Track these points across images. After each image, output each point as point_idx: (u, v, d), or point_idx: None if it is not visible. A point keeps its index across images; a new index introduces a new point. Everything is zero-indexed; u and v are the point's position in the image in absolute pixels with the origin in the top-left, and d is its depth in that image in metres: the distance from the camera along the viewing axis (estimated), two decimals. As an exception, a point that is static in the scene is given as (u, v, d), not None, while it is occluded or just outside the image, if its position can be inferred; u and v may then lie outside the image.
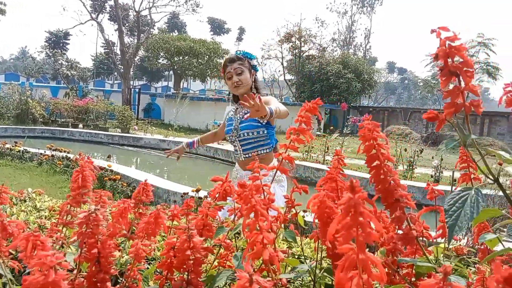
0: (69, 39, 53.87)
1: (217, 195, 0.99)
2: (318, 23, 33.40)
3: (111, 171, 5.99)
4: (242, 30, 60.07)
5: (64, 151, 7.56)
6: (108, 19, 39.96)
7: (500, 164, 0.63)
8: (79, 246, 0.92)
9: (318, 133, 12.67)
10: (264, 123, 2.49)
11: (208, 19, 56.57)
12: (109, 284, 0.88)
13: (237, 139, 2.55)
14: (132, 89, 21.62)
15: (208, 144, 11.48)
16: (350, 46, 44.70)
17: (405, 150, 8.15)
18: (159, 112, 21.47)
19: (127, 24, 36.24)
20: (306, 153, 9.03)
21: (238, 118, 2.58)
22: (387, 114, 22.41)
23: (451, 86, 0.63)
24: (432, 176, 7.56)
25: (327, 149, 8.75)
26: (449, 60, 0.60)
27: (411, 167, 7.73)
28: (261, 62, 28.17)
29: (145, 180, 1.21)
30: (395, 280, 0.81)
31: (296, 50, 25.90)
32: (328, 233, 0.45)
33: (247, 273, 0.50)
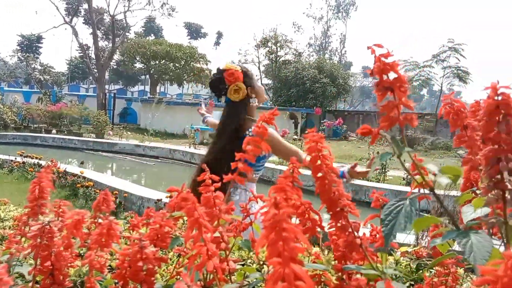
0: (42, 43, 52.82)
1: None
2: (295, 27, 33.77)
3: (84, 177, 5.90)
4: (219, 35, 60.06)
5: (36, 158, 7.40)
6: (83, 22, 39.29)
7: (434, 175, 0.67)
8: (34, 258, 0.92)
9: (295, 137, 12.76)
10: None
11: (185, 24, 56.41)
12: (63, 296, 0.88)
13: None
14: (108, 94, 21.34)
15: (183, 149, 11.44)
16: (325, 51, 45.29)
17: (377, 153, 8.29)
18: (135, 117, 21.24)
19: (102, 28, 35.73)
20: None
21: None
22: (361, 118, 22.73)
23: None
24: (404, 179, 7.72)
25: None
26: (384, 76, 0.64)
27: (383, 170, 7.87)
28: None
29: (106, 189, 1.21)
30: (344, 286, 0.83)
31: (273, 55, 26.08)
32: (255, 248, 0.47)
33: (185, 284, 0.52)
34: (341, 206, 0.75)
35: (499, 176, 0.67)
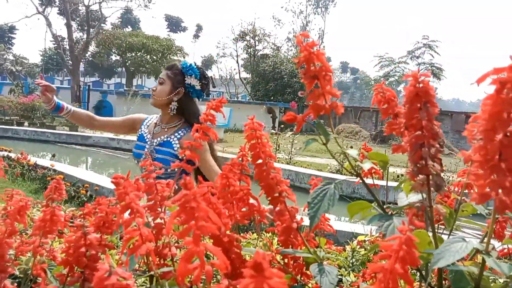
0: (15, 34, 51.43)
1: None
2: (275, 21, 33.73)
3: (54, 170, 5.80)
4: (199, 28, 59.55)
5: (5, 150, 7.23)
6: (58, 13, 38.37)
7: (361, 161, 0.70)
8: (-24, 245, 0.92)
9: (272, 131, 12.81)
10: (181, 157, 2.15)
11: (165, 16, 55.69)
12: (7, 282, 0.88)
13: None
14: (82, 86, 20.94)
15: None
16: (304, 46, 45.36)
17: (351, 147, 8.43)
18: (110, 110, 20.91)
19: (77, 19, 34.97)
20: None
21: (155, 142, 2.10)
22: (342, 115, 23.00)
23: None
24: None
25: (278, 146, 8.88)
26: (311, 65, 0.66)
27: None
28: (217, 60, 28.12)
29: (58, 177, 1.20)
30: (286, 271, 0.86)
31: (251, 49, 26.05)
32: (166, 229, 0.49)
33: (107, 265, 0.53)
34: (279, 191, 0.77)
35: (423, 162, 0.70)
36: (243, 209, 0.79)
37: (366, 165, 0.68)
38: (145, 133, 2.17)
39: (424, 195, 0.74)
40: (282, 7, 44.43)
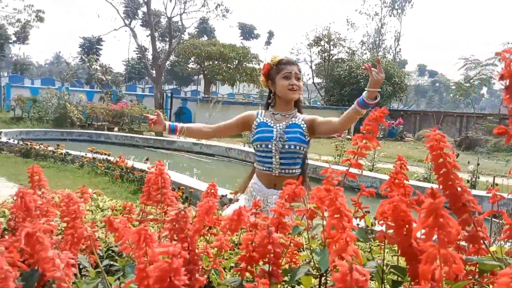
0: (102, 45, 55.48)
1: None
2: (349, 24, 33.22)
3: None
4: (271, 34, 60.26)
5: (104, 154, 7.85)
6: (140, 25, 40.86)
7: None
8: (170, 240, 1.04)
9: (348, 136, 12.61)
10: (308, 140, 2.35)
11: (239, 24, 56.99)
12: (198, 275, 1.00)
13: (278, 150, 2.28)
14: (164, 93, 22.09)
15: (239, 148, 11.66)
16: (379, 49, 44.13)
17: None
18: (189, 116, 21.83)
19: (158, 30, 37.01)
20: (338, 157, 9.05)
21: (282, 126, 2.34)
22: (418, 118, 22.04)
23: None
24: (468, 181, 7.44)
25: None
26: (516, 80, 0.68)
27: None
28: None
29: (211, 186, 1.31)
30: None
31: (325, 54, 25.88)
32: (413, 233, 0.54)
33: (346, 262, 0.60)
34: (464, 201, 0.80)
35: None
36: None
37: None
38: (266, 121, 2.41)
39: None
40: (356, 10, 43.57)
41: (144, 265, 0.79)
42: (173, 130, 2.47)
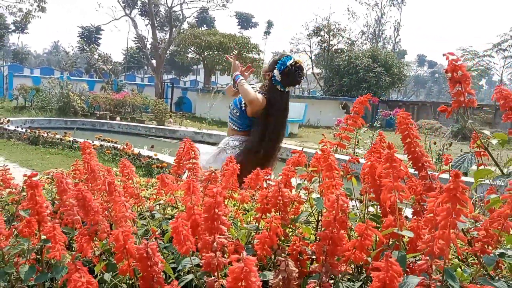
0: (101, 34, 55.33)
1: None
2: (349, 13, 33.29)
3: (158, 159, 6.51)
4: (270, 24, 60.12)
5: (111, 141, 8.14)
6: (139, 14, 40.82)
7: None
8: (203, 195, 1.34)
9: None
10: (242, 108, 3.14)
11: (236, 13, 56.85)
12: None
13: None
14: (165, 83, 22.30)
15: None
16: (379, 39, 44.19)
17: (435, 143, 8.38)
18: (189, 106, 22.07)
19: (158, 19, 37.01)
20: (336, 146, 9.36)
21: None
22: (417, 108, 22.28)
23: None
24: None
25: (357, 142, 9.04)
26: (455, 73, 0.98)
27: (439, 160, 7.96)
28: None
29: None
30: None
31: (325, 44, 26.05)
32: (377, 171, 0.84)
33: (334, 195, 0.90)
34: (422, 162, 1.10)
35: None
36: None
37: (494, 141, 0.99)
38: None
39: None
40: (356, 0, 43.45)
41: (192, 205, 1.10)
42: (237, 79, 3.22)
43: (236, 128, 3.24)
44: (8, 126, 10.17)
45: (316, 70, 28.91)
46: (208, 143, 12.03)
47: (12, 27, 50.12)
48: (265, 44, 62.76)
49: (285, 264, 0.96)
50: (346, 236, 1.03)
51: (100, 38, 55.68)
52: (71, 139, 8.53)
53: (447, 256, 0.74)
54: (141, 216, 1.55)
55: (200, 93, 20.31)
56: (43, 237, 1.19)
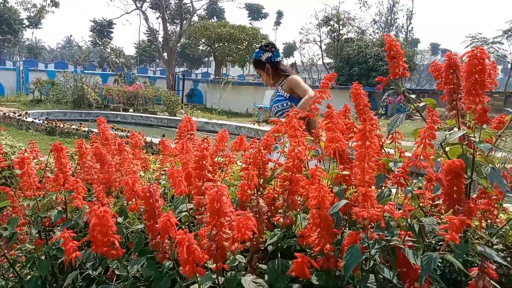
0: (113, 28, 55.95)
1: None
2: (361, 2, 33.18)
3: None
4: (280, 14, 60.07)
5: (125, 131, 8.49)
6: (150, 7, 41.21)
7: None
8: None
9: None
10: (287, 97, 3.27)
11: (246, 5, 56.85)
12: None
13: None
14: (176, 76, 22.64)
15: (248, 126, 12.23)
16: (391, 28, 43.86)
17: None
18: (201, 97, 22.42)
19: (168, 12, 37.36)
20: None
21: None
22: (427, 96, 22.30)
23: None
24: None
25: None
26: (391, 51, 1.23)
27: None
28: (300, 46, 28.56)
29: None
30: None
31: (335, 34, 26.07)
32: (351, 141, 1.11)
33: (294, 147, 1.17)
34: (363, 105, 1.36)
35: (454, 103, 1.26)
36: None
37: (421, 104, 1.24)
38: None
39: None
40: (367, -11, 43.09)
41: (186, 160, 1.37)
42: None
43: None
44: (26, 118, 10.60)
45: (326, 60, 28.95)
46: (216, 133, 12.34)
47: (26, 22, 50.98)
48: (275, 34, 62.64)
49: (256, 201, 1.23)
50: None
51: (112, 32, 56.31)
52: (86, 129, 8.90)
53: (364, 182, 1.00)
54: (150, 184, 1.84)
55: (210, 85, 20.61)
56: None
